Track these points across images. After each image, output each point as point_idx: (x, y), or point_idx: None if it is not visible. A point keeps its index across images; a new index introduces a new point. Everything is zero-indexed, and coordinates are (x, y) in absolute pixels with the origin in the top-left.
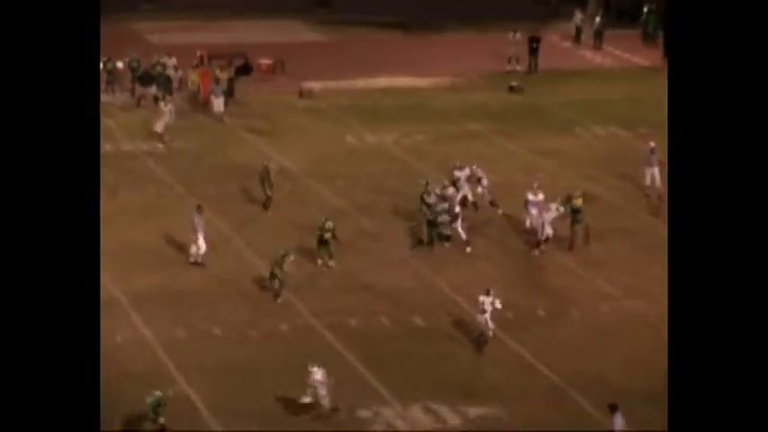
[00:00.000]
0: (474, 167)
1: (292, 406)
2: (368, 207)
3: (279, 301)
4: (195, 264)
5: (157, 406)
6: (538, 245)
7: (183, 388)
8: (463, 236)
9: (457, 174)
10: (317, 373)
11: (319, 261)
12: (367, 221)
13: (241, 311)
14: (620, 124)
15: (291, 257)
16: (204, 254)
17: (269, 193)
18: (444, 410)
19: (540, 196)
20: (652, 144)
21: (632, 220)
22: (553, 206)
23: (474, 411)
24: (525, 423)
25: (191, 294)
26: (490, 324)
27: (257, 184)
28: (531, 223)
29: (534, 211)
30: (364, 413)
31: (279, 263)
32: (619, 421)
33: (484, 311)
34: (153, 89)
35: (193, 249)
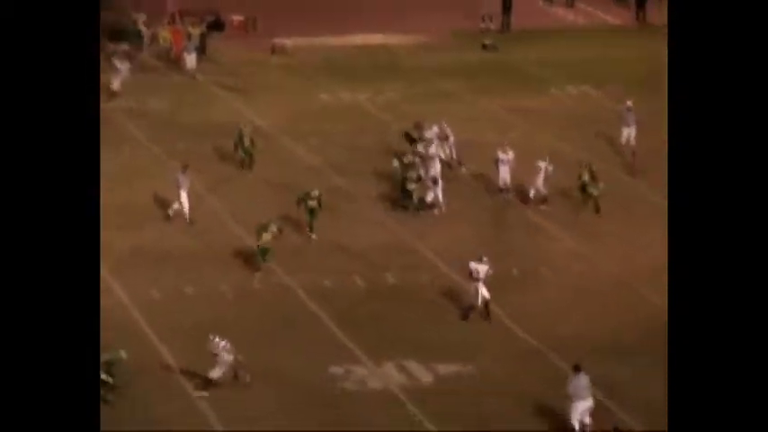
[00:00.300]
0: (443, 125)
1: (266, 365)
2: (342, 166)
3: (257, 274)
4: (174, 217)
5: (110, 364)
6: (544, 201)
7: (156, 347)
8: (440, 198)
9: (425, 134)
10: (220, 345)
11: (313, 235)
12: (341, 180)
13: (215, 271)
14: (592, 83)
15: (274, 228)
16: (187, 211)
17: (243, 155)
18: (417, 368)
19: (510, 154)
20: (629, 103)
21: (606, 180)
22: (542, 164)
23: (446, 369)
24: (497, 381)
25: (165, 254)
26: (483, 291)
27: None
28: (502, 182)
29: (504, 168)
30: (336, 370)
31: (260, 234)
32: (583, 381)
33: (477, 279)
34: (124, 46)
35: (175, 205)
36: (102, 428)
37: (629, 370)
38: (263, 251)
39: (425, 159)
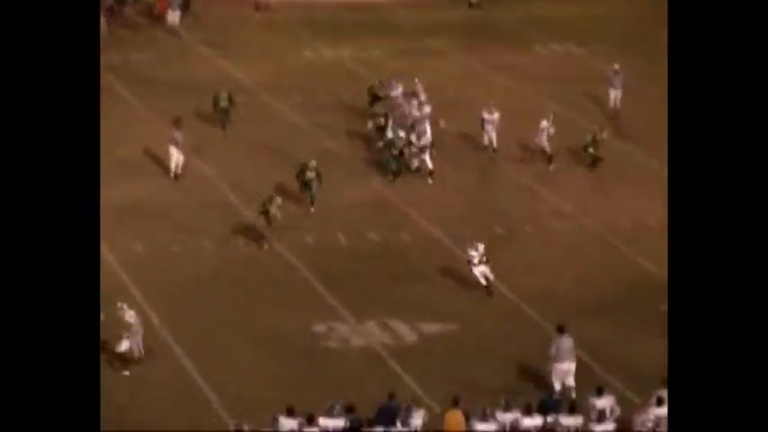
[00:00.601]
0: (416, 82)
1: (250, 323)
2: (326, 124)
3: (266, 247)
4: (176, 177)
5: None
6: (550, 160)
7: (139, 303)
8: (429, 165)
9: (391, 93)
10: (129, 315)
11: (312, 209)
12: (326, 139)
13: (199, 229)
14: (576, 41)
15: (279, 201)
16: (174, 166)
17: (222, 116)
18: (400, 327)
19: (496, 115)
20: (616, 66)
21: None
22: (544, 123)
23: (430, 328)
24: (481, 340)
25: (149, 211)
26: (488, 273)
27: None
28: (487, 141)
29: (489, 128)
30: (319, 328)
31: (265, 207)
32: (566, 343)
33: (475, 265)
34: (108, 1)
35: (173, 164)
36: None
37: (613, 330)
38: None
39: (417, 122)
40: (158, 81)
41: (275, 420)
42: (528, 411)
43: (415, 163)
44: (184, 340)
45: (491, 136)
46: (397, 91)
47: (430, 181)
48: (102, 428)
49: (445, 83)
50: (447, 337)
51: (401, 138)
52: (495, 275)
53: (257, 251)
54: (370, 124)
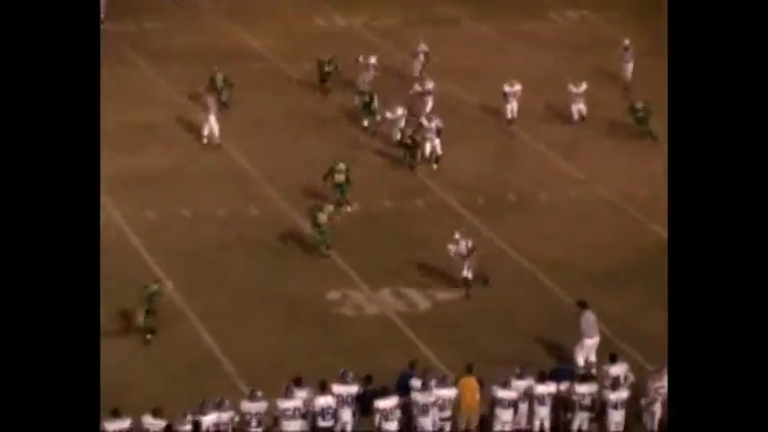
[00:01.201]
0: (420, 43)
1: (264, 290)
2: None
3: (329, 252)
4: (209, 144)
5: (150, 299)
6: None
7: (151, 268)
8: (438, 150)
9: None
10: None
11: (348, 208)
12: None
13: (213, 196)
14: (591, 8)
15: (330, 208)
16: (216, 133)
17: (224, 98)
18: (414, 294)
19: (517, 87)
20: (626, 42)
21: (603, 107)
22: (574, 89)
23: (443, 295)
24: (493, 306)
25: (160, 176)
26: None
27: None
28: (509, 113)
29: (511, 100)
30: (333, 295)
31: (315, 215)
32: (590, 318)
33: (464, 257)
34: None
35: (206, 130)
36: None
37: (627, 297)
38: (321, 233)
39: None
40: (171, 49)
41: (289, 390)
42: (542, 378)
43: (428, 149)
44: (198, 307)
45: (513, 108)
46: (368, 75)
47: (435, 167)
48: (118, 398)
49: (461, 51)
50: (460, 305)
51: (402, 117)
52: (510, 242)
53: (269, 217)
54: (356, 100)
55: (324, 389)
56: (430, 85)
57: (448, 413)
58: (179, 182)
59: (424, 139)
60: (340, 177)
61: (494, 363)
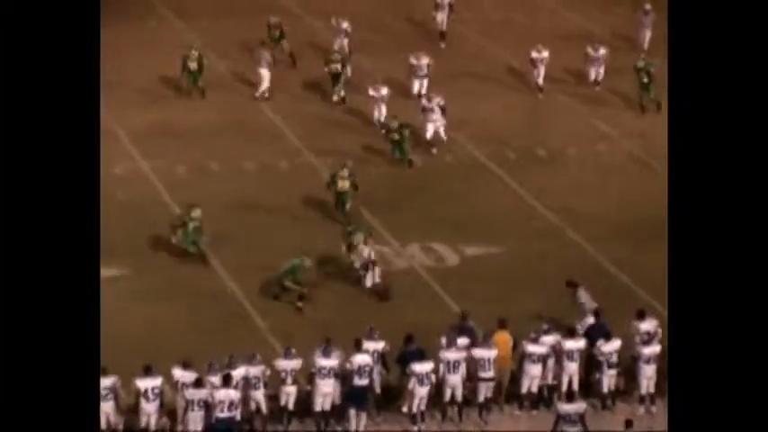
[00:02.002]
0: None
1: (291, 242)
2: (369, 48)
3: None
4: (261, 99)
5: (293, 272)
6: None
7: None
8: (442, 134)
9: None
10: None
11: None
12: (365, 60)
13: (242, 151)
14: None
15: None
16: (264, 87)
17: (188, 81)
18: (443, 249)
19: (545, 53)
20: (647, 6)
21: (631, 62)
22: (595, 53)
23: (472, 251)
24: (522, 260)
25: (189, 130)
26: (376, 277)
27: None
28: (538, 79)
29: (539, 66)
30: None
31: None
32: (584, 294)
33: (366, 268)
34: None
35: (264, 85)
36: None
37: (654, 250)
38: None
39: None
40: (201, 2)
41: (327, 349)
42: (571, 334)
43: (430, 130)
44: (226, 262)
45: (540, 74)
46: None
47: (434, 150)
48: (150, 353)
49: (490, 5)
50: (489, 259)
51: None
52: (539, 197)
53: (297, 171)
54: (325, 70)
55: (359, 346)
56: (424, 61)
57: (490, 373)
58: (210, 136)
59: (425, 121)
60: (343, 185)
61: (522, 318)
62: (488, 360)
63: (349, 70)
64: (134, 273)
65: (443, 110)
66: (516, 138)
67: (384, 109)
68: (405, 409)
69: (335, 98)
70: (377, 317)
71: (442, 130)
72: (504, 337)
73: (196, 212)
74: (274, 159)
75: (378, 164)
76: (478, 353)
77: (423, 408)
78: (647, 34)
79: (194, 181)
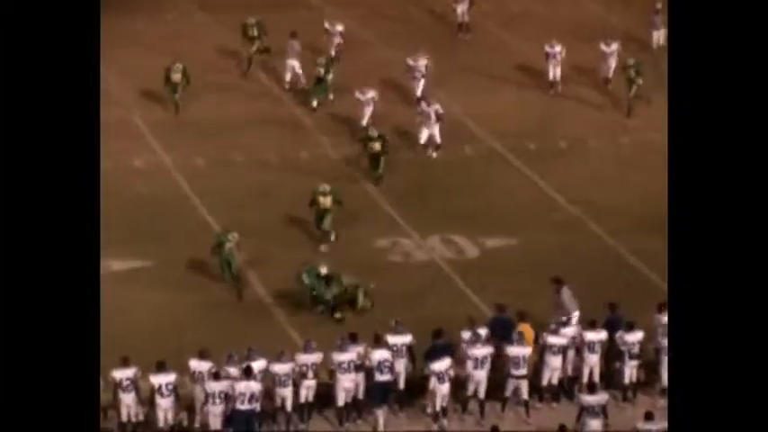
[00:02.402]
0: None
1: (313, 234)
2: (389, 36)
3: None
4: (290, 90)
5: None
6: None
7: (201, 213)
8: (437, 138)
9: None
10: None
11: (322, 247)
12: (387, 50)
13: (263, 142)
14: None
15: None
16: (288, 77)
17: (170, 94)
18: (463, 242)
19: (558, 48)
20: (658, 5)
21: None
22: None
23: (492, 243)
24: (542, 252)
25: (210, 122)
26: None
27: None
28: (552, 76)
29: (553, 62)
30: (382, 242)
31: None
32: (568, 293)
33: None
34: None
35: (288, 76)
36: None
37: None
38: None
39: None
40: None
41: (344, 343)
42: (592, 326)
43: (424, 136)
44: (245, 251)
45: (555, 71)
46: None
47: (434, 155)
48: (169, 344)
49: None
50: (509, 251)
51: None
52: (560, 189)
53: (319, 163)
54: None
55: (379, 341)
56: (422, 62)
57: (523, 371)
58: (230, 128)
59: (420, 125)
60: (326, 202)
61: (543, 310)
62: (522, 357)
63: (331, 76)
64: (155, 264)
65: (439, 117)
66: (536, 130)
67: (370, 112)
68: (429, 410)
69: (314, 104)
70: (397, 310)
71: (437, 135)
72: (527, 330)
73: (232, 235)
74: (296, 151)
75: (398, 155)
76: (513, 351)
77: (444, 404)
78: (658, 34)
79: (214, 173)
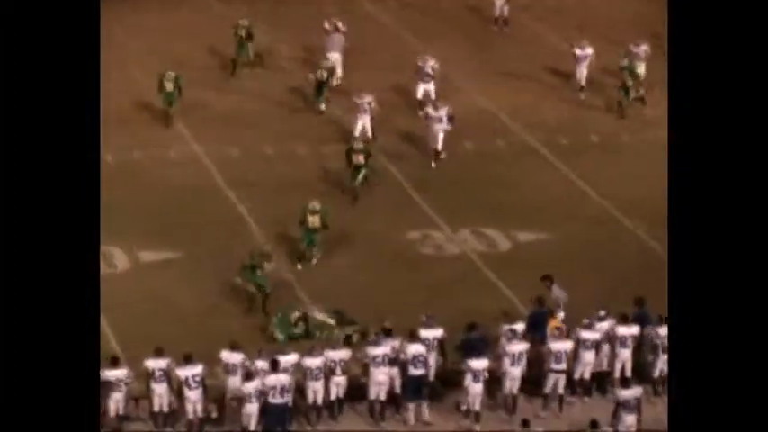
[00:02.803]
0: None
1: (344, 228)
2: (420, 29)
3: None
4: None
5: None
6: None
7: (233, 204)
8: (439, 145)
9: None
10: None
11: (299, 265)
12: (419, 43)
13: (294, 135)
14: None
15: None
16: (341, 76)
17: (165, 103)
18: (495, 235)
19: (588, 50)
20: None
21: None
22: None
23: (524, 237)
24: (573, 246)
25: (241, 113)
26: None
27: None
28: (580, 79)
29: (582, 64)
30: (413, 235)
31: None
32: (558, 289)
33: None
34: None
35: (339, 71)
36: None
37: None
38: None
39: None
40: None
41: (378, 337)
42: (624, 320)
43: (438, 139)
44: (279, 242)
45: (583, 73)
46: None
47: (433, 165)
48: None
49: None
50: (541, 245)
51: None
52: (592, 183)
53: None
54: (310, 77)
55: (413, 336)
56: (430, 63)
57: (563, 365)
58: (263, 119)
59: (429, 129)
60: (315, 221)
61: (575, 304)
62: (564, 352)
63: (335, 80)
64: (187, 256)
65: (451, 118)
66: (569, 124)
67: (368, 119)
68: (462, 407)
69: (323, 107)
70: (428, 303)
71: (440, 140)
72: (556, 325)
73: (270, 265)
74: (326, 143)
75: (428, 148)
76: (556, 345)
77: (478, 407)
78: None
79: (247, 164)
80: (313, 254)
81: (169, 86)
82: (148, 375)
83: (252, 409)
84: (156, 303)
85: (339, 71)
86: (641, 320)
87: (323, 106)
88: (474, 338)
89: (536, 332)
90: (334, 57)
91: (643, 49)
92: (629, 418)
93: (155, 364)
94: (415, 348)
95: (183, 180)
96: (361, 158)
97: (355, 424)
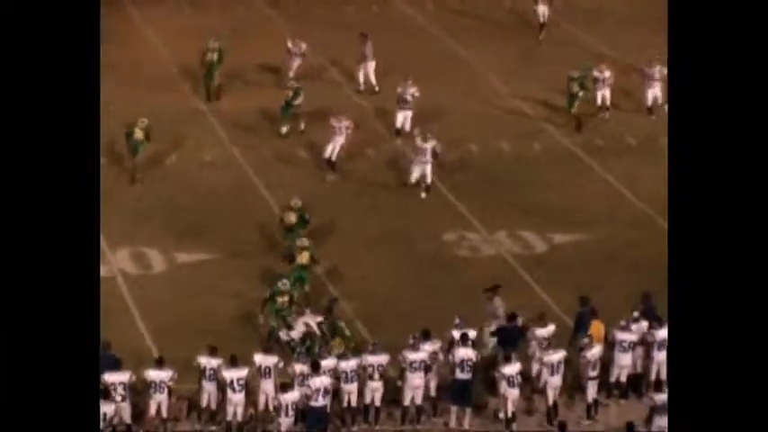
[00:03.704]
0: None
1: (381, 229)
2: (456, 31)
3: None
4: (365, 91)
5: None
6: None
7: (269, 204)
8: (428, 178)
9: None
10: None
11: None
12: (456, 45)
13: (325, 134)
14: None
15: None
16: (374, 80)
17: (132, 152)
18: (530, 237)
19: (607, 73)
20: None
21: None
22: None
23: (560, 238)
24: (610, 248)
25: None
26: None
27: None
28: (600, 100)
29: (601, 86)
30: (449, 236)
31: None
32: (498, 303)
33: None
34: None
35: (362, 77)
36: None
37: None
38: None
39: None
40: None
41: (416, 342)
42: (660, 323)
43: (415, 175)
44: (313, 244)
45: (604, 95)
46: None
47: (423, 195)
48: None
49: None
50: (577, 247)
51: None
52: (628, 185)
53: (384, 155)
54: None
55: (465, 341)
56: (411, 90)
57: (598, 371)
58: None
59: (413, 161)
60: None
61: (611, 306)
62: (599, 359)
63: (300, 100)
64: (223, 257)
65: (435, 154)
66: (606, 126)
67: (340, 142)
68: (501, 415)
69: (283, 130)
70: (463, 305)
71: (428, 174)
72: (597, 327)
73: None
74: (361, 147)
75: (465, 150)
76: (591, 354)
77: (513, 409)
78: None
79: (282, 167)
80: (304, 290)
81: (139, 135)
82: (200, 372)
83: (287, 423)
84: (192, 304)
85: (366, 77)
86: (646, 317)
87: (283, 129)
88: (511, 328)
89: (579, 332)
90: (368, 65)
91: (657, 69)
92: (663, 422)
93: (207, 362)
94: (464, 352)
95: (218, 182)
96: (292, 217)
97: (390, 427)
